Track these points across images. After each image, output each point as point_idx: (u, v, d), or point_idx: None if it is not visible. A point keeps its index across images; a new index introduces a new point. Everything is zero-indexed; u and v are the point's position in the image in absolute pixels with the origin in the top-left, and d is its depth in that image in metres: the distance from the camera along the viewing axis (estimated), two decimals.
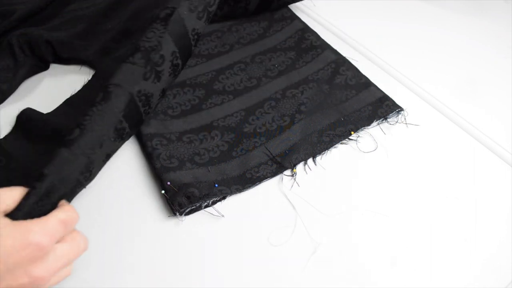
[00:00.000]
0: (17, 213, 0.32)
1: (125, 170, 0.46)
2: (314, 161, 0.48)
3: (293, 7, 0.67)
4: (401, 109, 0.52)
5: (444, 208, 0.45)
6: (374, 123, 0.51)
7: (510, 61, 0.61)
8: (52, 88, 0.54)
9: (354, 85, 0.55)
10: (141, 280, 0.39)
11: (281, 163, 0.47)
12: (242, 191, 0.45)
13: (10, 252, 0.28)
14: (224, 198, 0.44)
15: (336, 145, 0.49)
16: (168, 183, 0.44)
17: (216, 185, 0.44)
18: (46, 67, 0.56)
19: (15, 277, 0.29)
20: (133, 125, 0.44)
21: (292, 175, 0.46)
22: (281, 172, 0.46)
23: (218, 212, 0.43)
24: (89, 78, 0.54)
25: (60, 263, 0.32)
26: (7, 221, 0.30)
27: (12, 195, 0.32)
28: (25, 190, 0.33)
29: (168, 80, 0.46)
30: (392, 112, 0.52)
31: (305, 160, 0.48)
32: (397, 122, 0.52)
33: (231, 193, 0.44)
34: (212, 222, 0.43)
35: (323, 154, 0.49)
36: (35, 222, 0.31)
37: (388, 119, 0.52)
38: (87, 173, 0.38)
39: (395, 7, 0.69)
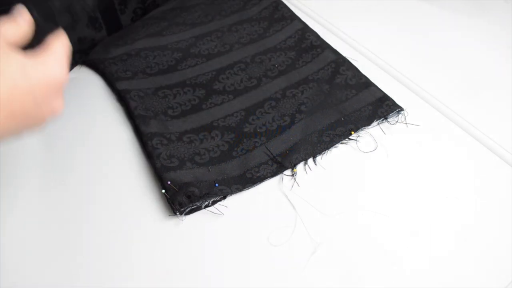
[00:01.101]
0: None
1: (125, 170, 0.46)
2: (314, 161, 0.48)
3: (293, 7, 0.67)
4: (401, 109, 0.52)
5: (444, 208, 0.45)
6: (374, 123, 0.51)
7: (510, 61, 0.61)
8: None
9: (354, 85, 0.55)
10: (141, 280, 0.39)
11: (281, 163, 0.47)
12: (242, 191, 0.45)
13: (37, 87, 0.29)
14: (224, 197, 0.44)
15: (336, 145, 0.49)
16: (169, 182, 0.44)
17: (217, 185, 0.44)
18: None
19: (41, 110, 0.31)
20: None
21: (292, 175, 0.46)
22: (281, 172, 0.46)
23: (218, 210, 0.43)
24: None
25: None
26: (24, 58, 0.30)
27: (15, 26, 0.31)
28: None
29: None
30: (392, 112, 0.52)
31: (305, 160, 0.48)
32: (397, 122, 0.52)
33: (232, 192, 0.44)
34: (212, 222, 0.43)
35: (323, 154, 0.49)
36: (48, 56, 0.31)
37: (388, 119, 0.52)
38: None
39: (395, 7, 0.69)
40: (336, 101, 0.53)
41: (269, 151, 0.48)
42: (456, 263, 0.41)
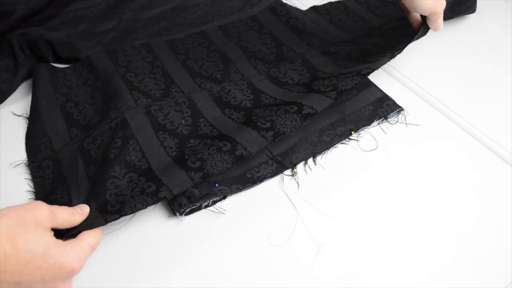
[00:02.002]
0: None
1: None
2: (314, 161, 0.48)
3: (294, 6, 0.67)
4: (401, 109, 0.52)
5: (444, 208, 0.45)
6: (375, 123, 0.51)
7: (510, 61, 0.61)
8: None
9: (355, 85, 0.54)
10: (141, 280, 0.39)
11: (282, 162, 0.47)
12: (242, 191, 0.45)
13: (50, 269, 0.33)
14: (224, 197, 0.44)
15: (337, 145, 0.49)
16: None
17: (217, 185, 0.44)
18: None
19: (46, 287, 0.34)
20: None
21: (293, 175, 0.46)
22: (282, 171, 0.46)
23: (218, 209, 0.43)
24: None
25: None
26: (53, 240, 0.34)
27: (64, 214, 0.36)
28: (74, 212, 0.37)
29: None
30: (392, 112, 0.52)
31: (306, 159, 0.48)
32: (397, 121, 0.52)
33: (232, 192, 0.44)
34: (212, 222, 0.43)
35: (324, 153, 0.48)
36: (73, 247, 0.34)
37: (389, 119, 0.52)
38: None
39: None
40: (336, 101, 0.53)
41: (269, 151, 0.48)
42: (456, 263, 0.41)
